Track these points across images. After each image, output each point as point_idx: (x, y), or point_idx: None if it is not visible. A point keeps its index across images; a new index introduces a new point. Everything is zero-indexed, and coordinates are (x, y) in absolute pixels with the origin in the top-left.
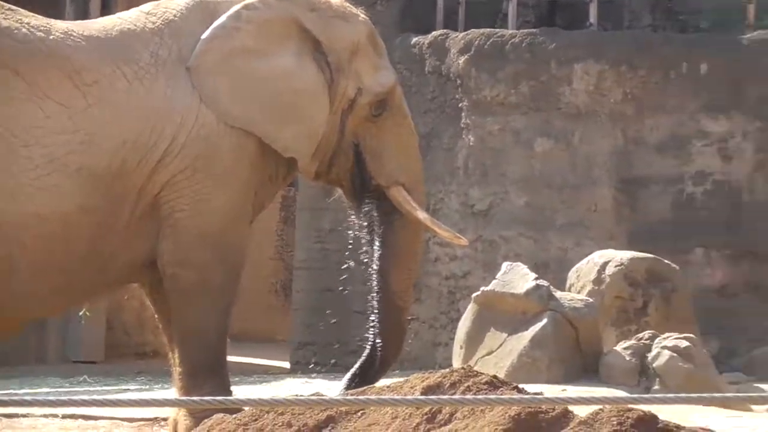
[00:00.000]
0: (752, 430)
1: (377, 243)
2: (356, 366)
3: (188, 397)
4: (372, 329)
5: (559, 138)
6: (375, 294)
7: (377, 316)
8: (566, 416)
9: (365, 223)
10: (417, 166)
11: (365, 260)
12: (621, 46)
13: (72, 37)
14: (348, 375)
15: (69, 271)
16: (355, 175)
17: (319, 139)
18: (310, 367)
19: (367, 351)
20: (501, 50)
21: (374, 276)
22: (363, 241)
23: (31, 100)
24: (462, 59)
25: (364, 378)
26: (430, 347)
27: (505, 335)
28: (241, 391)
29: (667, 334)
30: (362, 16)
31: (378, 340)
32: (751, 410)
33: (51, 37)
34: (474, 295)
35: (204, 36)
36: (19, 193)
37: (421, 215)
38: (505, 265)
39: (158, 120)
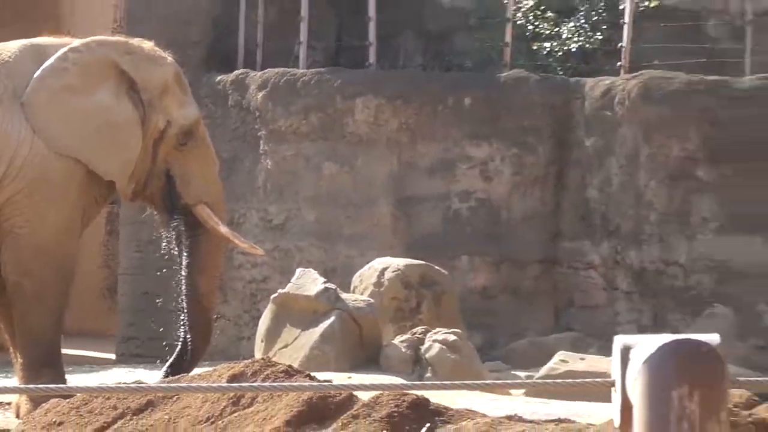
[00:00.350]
0: (510, 411)
1: (185, 253)
2: (172, 358)
3: (28, 385)
4: (183, 327)
5: (344, 162)
6: (184, 297)
7: (187, 315)
8: (351, 400)
9: (174, 236)
10: (218, 188)
11: (177, 267)
12: (397, 83)
13: None
14: (165, 365)
15: None
16: (166, 195)
17: (134, 165)
18: (133, 358)
19: (180, 345)
20: (293, 86)
21: (183, 281)
22: (173, 251)
23: None
24: (260, 94)
25: (178, 368)
26: (235, 341)
27: (299, 331)
28: (74, 379)
29: (437, 330)
30: (170, 59)
31: (189, 336)
32: (509, 394)
33: None
34: (272, 296)
35: (35, 75)
36: None
37: (223, 229)
38: (298, 271)
39: None
